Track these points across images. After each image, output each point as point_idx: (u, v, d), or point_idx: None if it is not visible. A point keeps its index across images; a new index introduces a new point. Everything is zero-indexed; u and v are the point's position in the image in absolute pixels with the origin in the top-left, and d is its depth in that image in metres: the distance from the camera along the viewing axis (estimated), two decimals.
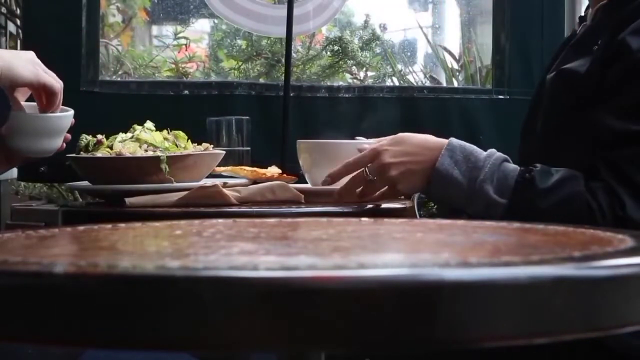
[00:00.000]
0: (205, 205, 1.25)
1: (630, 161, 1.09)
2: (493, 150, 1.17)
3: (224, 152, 1.47)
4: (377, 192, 1.25)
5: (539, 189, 1.11)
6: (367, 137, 1.39)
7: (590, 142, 1.12)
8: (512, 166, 1.16)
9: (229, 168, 1.51)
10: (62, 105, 1.24)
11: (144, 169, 1.31)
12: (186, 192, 1.27)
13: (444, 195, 1.19)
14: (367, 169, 1.22)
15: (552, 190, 1.11)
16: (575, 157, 1.14)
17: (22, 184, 2.87)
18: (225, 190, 1.27)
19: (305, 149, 1.45)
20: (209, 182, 1.33)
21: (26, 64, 1.14)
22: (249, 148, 1.82)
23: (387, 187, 1.23)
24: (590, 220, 1.08)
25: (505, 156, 1.17)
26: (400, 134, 1.22)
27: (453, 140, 1.18)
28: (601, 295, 0.46)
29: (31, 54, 1.18)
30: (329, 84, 2.68)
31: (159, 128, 1.42)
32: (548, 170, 1.13)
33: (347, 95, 2.40)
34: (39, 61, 1.17)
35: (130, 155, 1.33)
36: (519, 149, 1.33)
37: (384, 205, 1.30)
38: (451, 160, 1.16)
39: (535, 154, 1.22)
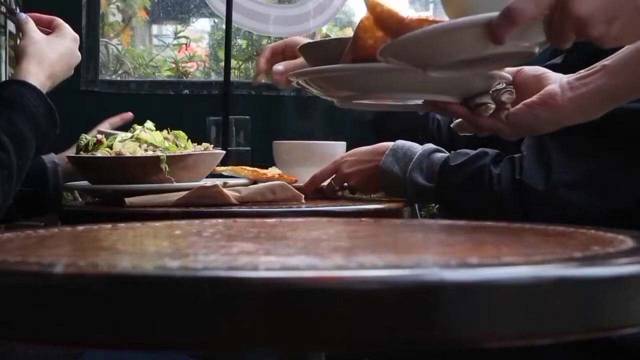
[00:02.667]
0: (205, 205, 1.25)
1: (554, 138, 1.13)
2: (429, 144, 1.30)
3: (224, 152, 1.47)
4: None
5: (451, 166, 1.24)
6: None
7: None
8: (441, 154, 1.28)
9: (229, 168, 1.52)
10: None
11: (144, 168, 1.31)
12: (186, 192, 1.27)
13: (393, 191, 1.35)
14: (332, 181, 1.41)
15: (462, 166, 1.23)
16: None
17: None
18: (225, 190, 1.27)
19: (279, 149, 1.60)
20: (209, 182, 1.33)
21: (65, 65, 1.26)
22: (249, 148, 1.82)
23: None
24: (490, 187, 1.19)
25: (437, 147, 1.29)
26: (351, 151, 1.39)
27: (399, 141, 1.33)
28: (602, 296, 0.46)
29: (72, 38, 1.30)
30: None
31: (159, 128, 1.42)
32: (465, 151, 1.25)
33: None
34: (77, 54, 1.30)
35: (130, 155, 1.33)
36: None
37: (384, 206, 1.31)
38: (392, 159, 1.32)
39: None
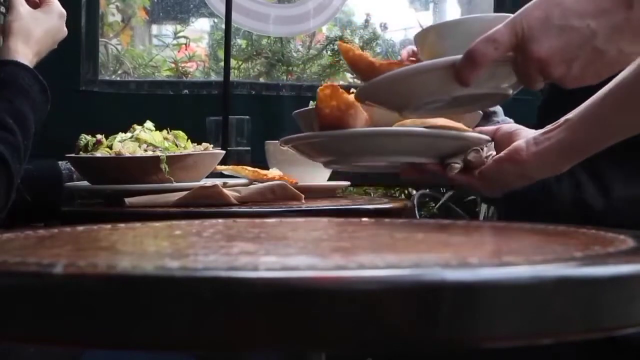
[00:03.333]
0: (205, 205, 1.25)
1: (608, 157, 1.10)
2: None
3: (224, 152, 1.47)
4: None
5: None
6: None
7: None
8: None
9: (230, 167, 1.52)
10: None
11: (144, 168, 1.31)
12: (186, 192, 1.27)
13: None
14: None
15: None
16: None
17: None
18: (225, 190, 1.27)
19: (273, 149, 1.58)
20: (209, 182, 1.33)
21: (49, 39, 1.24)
22: (249, 148, 1.83)
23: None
24: (551, 204, 1.14)
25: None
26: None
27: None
28: (603, 296, 0.45)
29: (58, 14, 1.27)
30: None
31: (158, 128, 1.42)
32: None
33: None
34: (64, 30, 1.28)
35: (130, 155, 1.33)
36: None
37: (384, 206, 1.30)
38: None
39: None
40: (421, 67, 0.84)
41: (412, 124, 1.04)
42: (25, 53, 1.19)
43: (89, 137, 1.39)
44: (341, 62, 2.77)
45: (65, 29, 1.28)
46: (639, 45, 0.74)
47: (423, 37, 0.95)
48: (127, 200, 1.27)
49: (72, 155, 1.39)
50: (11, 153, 1.06)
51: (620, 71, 0.78)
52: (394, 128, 1.04)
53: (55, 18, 1.26)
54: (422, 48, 0.97)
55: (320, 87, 1.05)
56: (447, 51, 0.81)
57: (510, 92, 0.88)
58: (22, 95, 1.13)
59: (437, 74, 0.81)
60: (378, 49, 2.82)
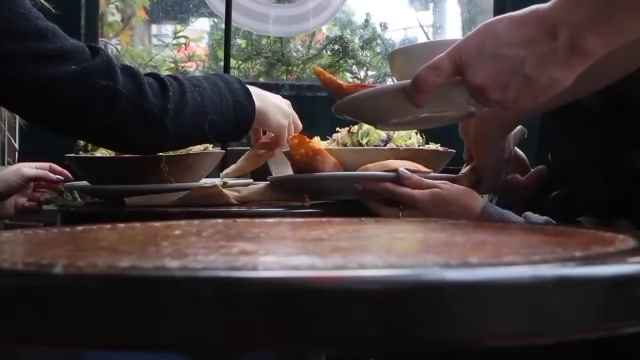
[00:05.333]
0: (205, 205, 1.25)
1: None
2: (529, 213, 1.14)
3: (224, 152, 1.47)
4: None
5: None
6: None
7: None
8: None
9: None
10: None
11: (144, 168, 1.31)
12: (186, 192, 1.27)
13: None
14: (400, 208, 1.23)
15: None
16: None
17: None
18: (225, 190, 1.27)
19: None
20: (208, 182, 1.33)
21: (278, 113, 1.34)
22: (249, 148, 1.82)
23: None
24: None
25: (546, 217, 1.11)
26: (441, 194, 1.18)
27: (488, 205, 1.18)
28: (603, 296, 0.45)
29: (286, 103, 1.37)
30: None
31: None
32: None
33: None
34: (291, 111, 1.38)
35: (130, 155, 1.33)
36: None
37: None
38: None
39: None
40: (379, 90, 0.93)
41: (373, 168, 1.22)
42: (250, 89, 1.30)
43: None
44: (341, 62, 2.77)
45: (291, 110, 1.38)
46: (567, 72, 0.78)
47: (392, 59, 1.05)
48: (127, 200, 1.27)
49: (72, 155, 1.39)
50: (191, 86, 1.20)
51: (556, 94, 0.83)
52: (336, 173, 1.25)
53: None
54: (392, 69, 1.07)
55: (291, 137, 1.27)
56: (412, 73, 0.86)
57: (473, 109, 0.93)
58: (224, 83, 1.25)
59: (393, 96, 0.87)
60: (378, 49, 2.82)
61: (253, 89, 1.31)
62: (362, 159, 1.24)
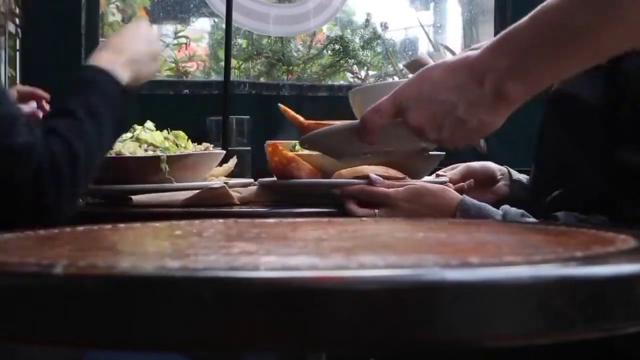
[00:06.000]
0: (205, 205, 1.25)
1: None
2: (506, 206, 1.16)
3: (224, 152, 1.47)
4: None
5: None
6: None
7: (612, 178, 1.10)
8: (532, 220, 1.12)
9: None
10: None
11: (144, 168, 1.31)
12: (194, 193, 1.27)
13: None
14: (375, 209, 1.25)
15: None
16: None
17: None
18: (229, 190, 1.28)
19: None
20: (215, 183, 1.34)
21: (147, 63, 1.25)
22: (249, 148, 1.82)
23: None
24: None
25: (522, 211, 1.14)
26: (416, 189, 1.22)
27: (465, 199, 1.20)
28: (603, 296, 0.45)
29: (146, 40, 1.26)
30: (329, 83, 2.67)
31: (159, 128, 1.42)
32: (576, 216, 1.09)
33: (348, 95, 2.39)
34: (157, 46, 1.29)
35: (130, 155, 1.33)
36: (531, 176, 1.32)
37: None
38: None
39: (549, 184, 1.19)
40: (333, 129, 1.03)
41: (346, 174, 1.29)
42: (109, 59, 1.20)
43: None
44: (341, 62, 2.77)
45: (159, 42, 1.30)
46: (494, 115, 0.85)
47: (352, 98, 1.18)
48: (134, 198, 1.27)
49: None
50: (75, 134, 1.08)
51: (488, 133, 0.89)
52: (306, 180, 1.32)
53: (143, 27, 1.29)
54: (353, 107, 1.20)
55: (267, 144, 1.34)
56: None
57: (424, 144, 1.00)
58: (98, 93, 1.15)
59: (348, 134, 0.95)
60: (378, 49, 2.82)
61: (120, 56, 1.21)
62: (338, 165, 1.29)
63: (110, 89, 1.16)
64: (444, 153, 1.34)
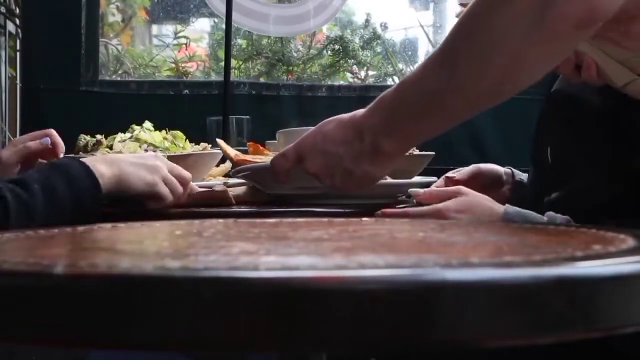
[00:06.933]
0: (205, 206, 1.25)
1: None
2: (551, 213, 1.12)
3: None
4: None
5: None
6: None
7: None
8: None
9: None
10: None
11: None
12: (195, 193, 1.27)
13: None
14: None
15: None
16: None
17: None
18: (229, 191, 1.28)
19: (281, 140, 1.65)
20: (217, 184, 1.34)
21: (139, 171, 1.17)
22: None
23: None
24: None
25: (567, 217, 1.11)
26: (465, 199, 1.19)
27: (509, 208, 1.16)
28: (603, 296, 0.45)
29: (157, 159, 1.21)
30: (329, 83, 2.67)
31: (158, 128, 1.42)
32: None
33: (348, 95, 2.40)
34: (161, 165, 1.19)
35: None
36: (529, 176, 1.32)
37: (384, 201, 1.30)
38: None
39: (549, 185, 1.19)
40: (253, 167, 1.14)
41: None
42: (93, 159, 1.15)
43: (88, 137, 1.39)
44: (341, 62, 2.77)
45: (159, 162, 1.20)
46: (376, 167, 0.95)
47: (278, 138, 1.30)
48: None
49: (72, 155, 1.39)
50: (18, 206, 1.02)
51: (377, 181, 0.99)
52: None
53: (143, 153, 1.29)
54: (278, 145, 1.30)
55: (249, 144, 1.40)
56: None
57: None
58: (62, 175, 1.09)
59: (265, 172, 1.05)
60: (378, 49, 2.82)
61: (106, 157, 1.20)
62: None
63: (75, 171, 1.10)
64: (434, 153, 1.33)
